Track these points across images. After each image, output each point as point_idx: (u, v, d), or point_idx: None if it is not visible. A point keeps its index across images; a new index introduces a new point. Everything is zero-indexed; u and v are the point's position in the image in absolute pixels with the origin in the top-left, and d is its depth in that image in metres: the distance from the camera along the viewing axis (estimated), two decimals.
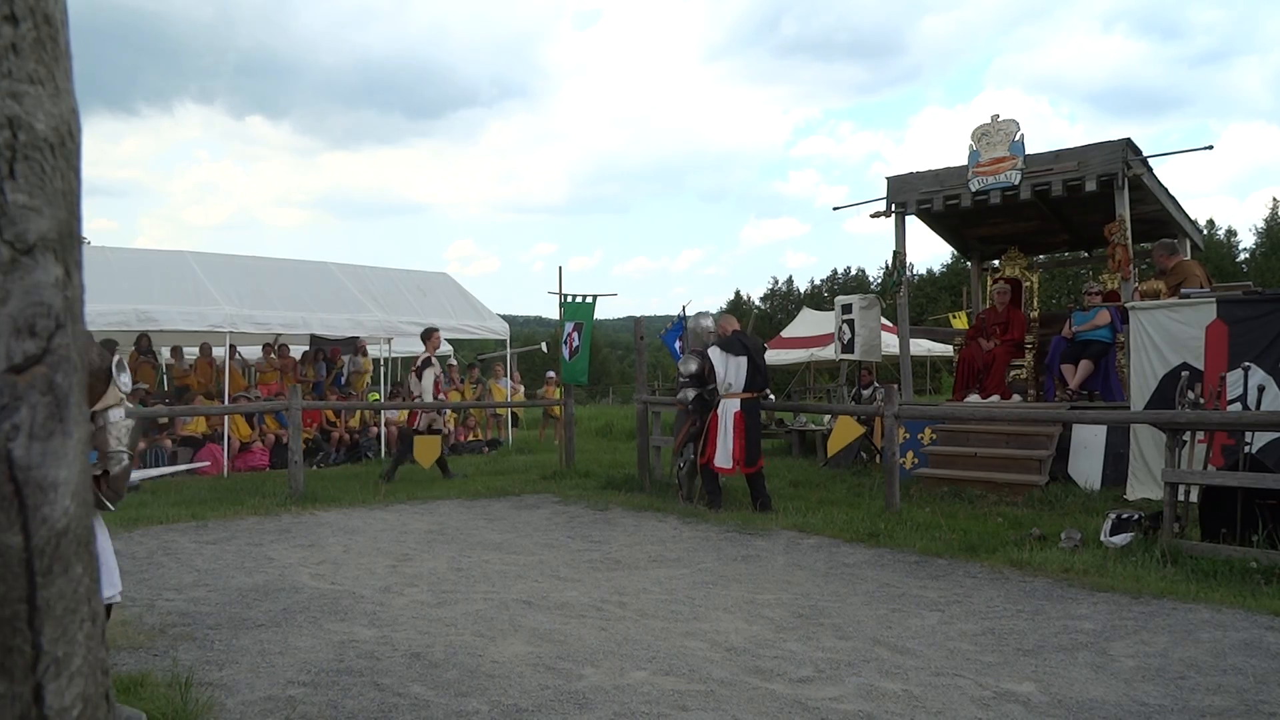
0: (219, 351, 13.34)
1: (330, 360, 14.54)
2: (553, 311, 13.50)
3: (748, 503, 8.27)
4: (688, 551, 6.55)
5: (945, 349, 19.23)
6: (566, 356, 11.57)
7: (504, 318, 16.66)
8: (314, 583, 5.54)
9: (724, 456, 8.12)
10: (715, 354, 8.25)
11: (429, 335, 11.30)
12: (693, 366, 8.49)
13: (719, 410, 8.19)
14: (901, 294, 10.95)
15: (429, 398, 10.72)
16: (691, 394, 8.45)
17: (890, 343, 12.98)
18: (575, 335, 11.42)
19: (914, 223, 11.09)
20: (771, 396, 9.70)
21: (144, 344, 13.30)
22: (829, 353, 15.62)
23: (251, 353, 15.37)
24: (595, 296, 11.50)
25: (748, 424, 8.09)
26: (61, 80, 0.87)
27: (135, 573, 5.80)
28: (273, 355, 13.83)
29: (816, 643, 4.27)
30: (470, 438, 15.97)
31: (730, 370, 8.15)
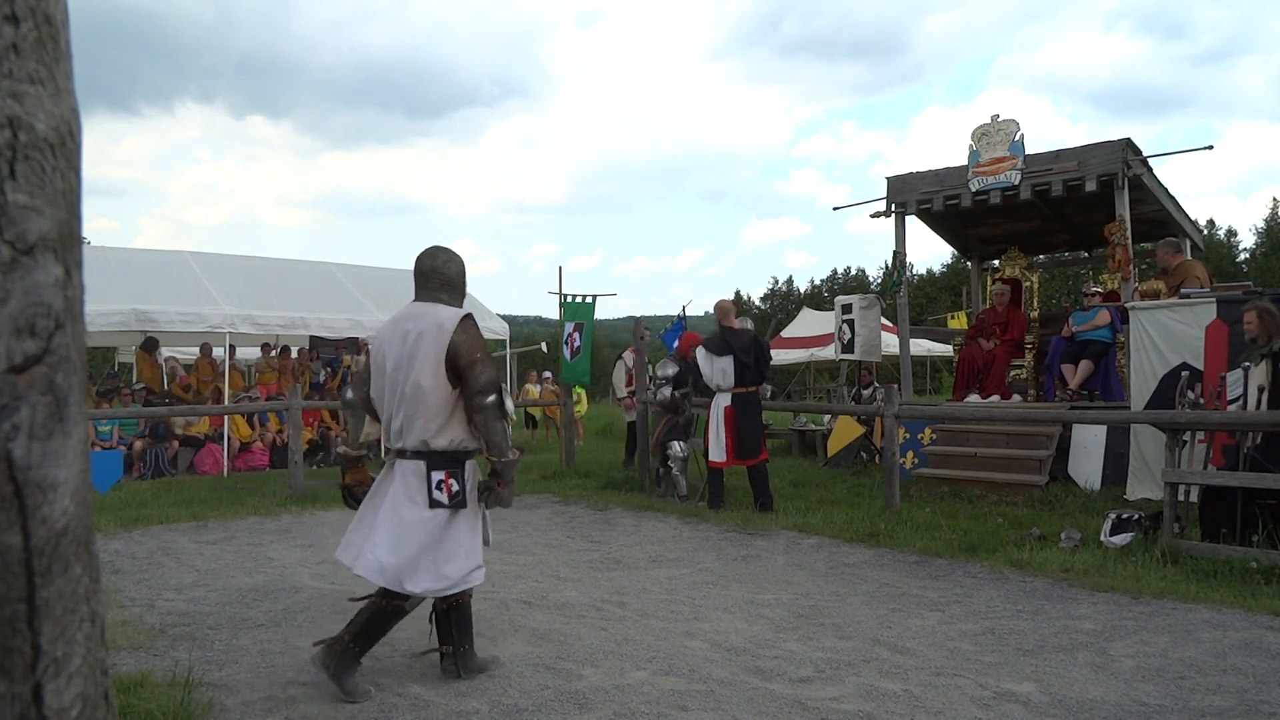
0: (219, 352, 13.33)
1: (334, 360, 14.52)
2: (553, 311, 13.52)
3: (748, 503, 8.28)
4: (688, 551, 6.55)
5: (945, 349, 19.22)
6: (567, 357, 11.57)
7: (504, 318, 16.64)
8: (314, 583, 5.53)
9: (717, 450, 8.21)
10: (700, 354, 8.43)
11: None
12: (670, 371, 8.86)
13: (711, 405, 8.27)
14: (901, 294, 10.95)
15: (621, 391, 12.64)
16: (666, 393, 8.80)
17: (890, 343, 12.97)
18: (576, 335, 11.42)
19: (914, 223, 11.09)
20: (769, 390, 9.67)
21: (150, 345, 13.30)
22: (829, 353, 15.62)
23: (250, 353, 15.34)
24: (595, 296, 11.51)
25: (738, 417, 8.14)
26: (62, 80, 0.86)
27: (135, 573, 5.81)
28: (272, 355, 13.81)
29: (816, 643, 4.27)
30: None
31: (716, 371, 8.24)
